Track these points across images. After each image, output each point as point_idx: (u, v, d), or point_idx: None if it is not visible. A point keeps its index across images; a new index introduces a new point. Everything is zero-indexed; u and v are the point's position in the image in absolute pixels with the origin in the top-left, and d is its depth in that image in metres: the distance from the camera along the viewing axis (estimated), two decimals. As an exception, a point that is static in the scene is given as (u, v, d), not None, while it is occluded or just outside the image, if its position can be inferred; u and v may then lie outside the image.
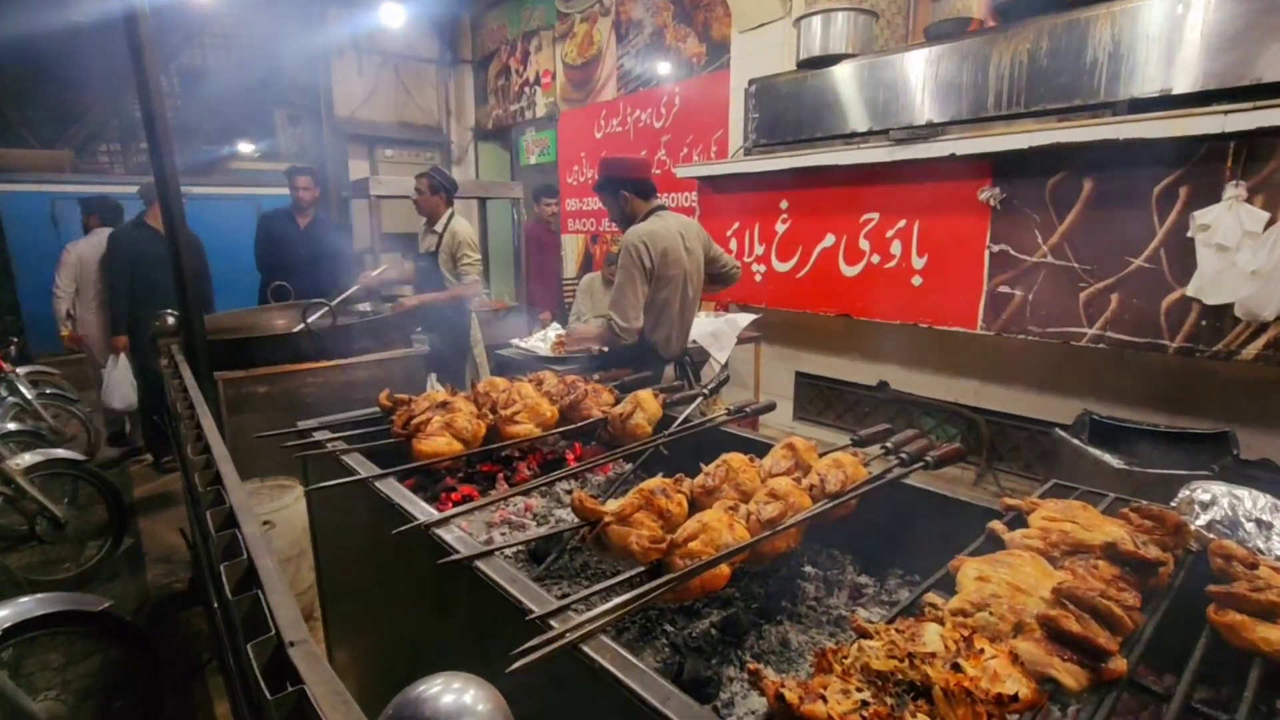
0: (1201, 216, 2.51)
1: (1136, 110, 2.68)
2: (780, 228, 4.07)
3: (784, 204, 4.02)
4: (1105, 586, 0.80)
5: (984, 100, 3.14)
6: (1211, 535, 0.96)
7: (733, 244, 4.34)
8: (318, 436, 1.65)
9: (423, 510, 1.26)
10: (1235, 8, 2.43)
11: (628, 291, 2.35)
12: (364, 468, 1.46)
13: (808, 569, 1.32)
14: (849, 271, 3.75)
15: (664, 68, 5.54)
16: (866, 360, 4.19)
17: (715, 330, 2.86)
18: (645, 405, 1.66)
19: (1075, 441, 2.66)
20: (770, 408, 1.78)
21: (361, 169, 7.55)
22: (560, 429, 1.66)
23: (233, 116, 8.68)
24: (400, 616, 1.43)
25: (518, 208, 6.82)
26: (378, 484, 1.37)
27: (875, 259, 3.63)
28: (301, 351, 2.76)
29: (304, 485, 1.91)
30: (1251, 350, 2.48)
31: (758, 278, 4.22)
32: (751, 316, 3.75)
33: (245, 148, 9.01)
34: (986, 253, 3.19)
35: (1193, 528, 0.97)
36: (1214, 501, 0.98)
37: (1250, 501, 0.96)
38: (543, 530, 1.36)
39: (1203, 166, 2.54)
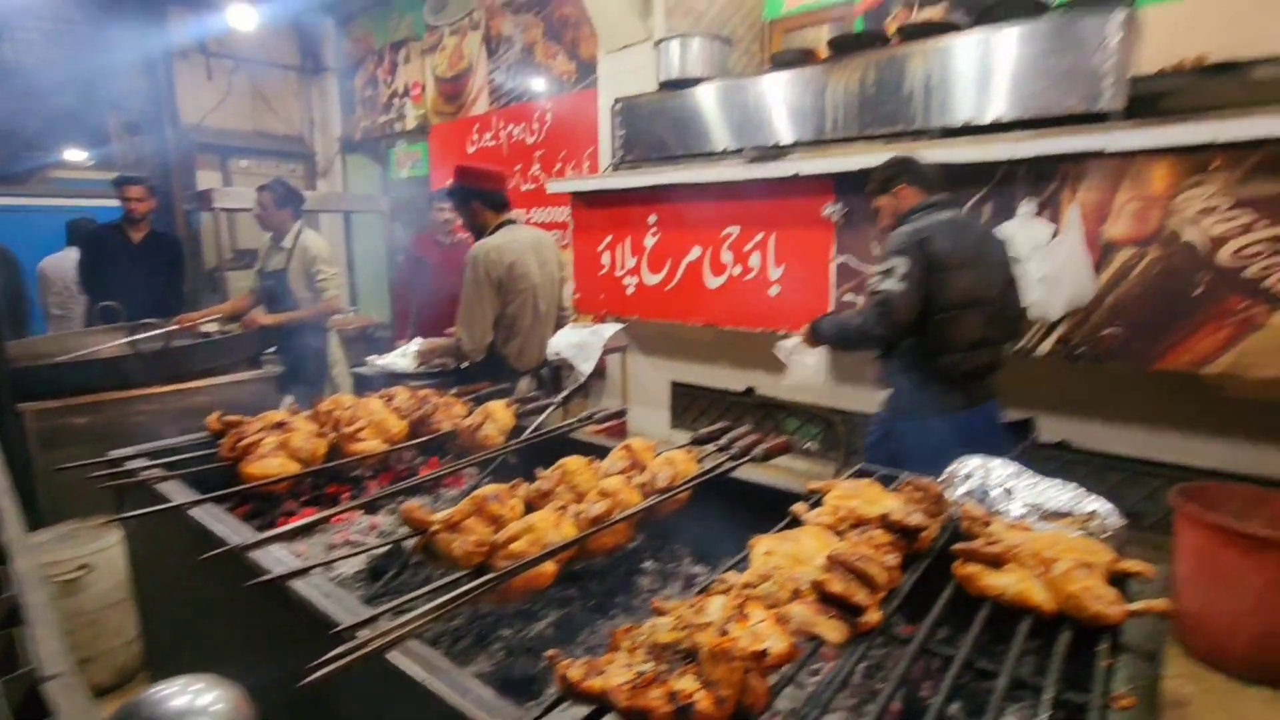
0: (1001, 231, 2.85)
1: (948, 137, 3.03)
2: (650, 241, 4.20)
3: (652, 218, 4.17)
4: (872, 551, 0.92)
5: (824, 124, 3.42)
6: (968, 502, 1.11)
7: (606, 257, 4.44)
8: (136, 465, 1.53)
9: (243, 536, 1.21)
10: (1025, 50, 2.81)
11: (474, 307, 2.36)
12: (184, 496, 1.37)
13: (647, 564, 1.39)
14: (713, 283, 3.93)
15: (535, 84, 5.59)
16: (735, 367, 4.41)
17: (580, 341, 2.91)
18: (496, 416, 1.68)
19: (908, 433, 2.94)
20: (620, 414, 1.86)
21: (214, 180, 7.03)
22: (408, 443, 1.64)
23: (53, 120, 7.80)
24: (227, 653, 1.35)
25: (388, 221, 6.61)
26: (192, 511, 1.30)
27: (737, 270, 3.83)
28: (129, 377, 2.54)
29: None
30: (1045, 346, 2.85)
31: (630, 290, 4.33)
32: (616, 328, 3.86)
33: (73, 155, 8.11)
34: (832, 264, 3.46)
35: (954, 497, 1.12)
36: (971, 473, 1.14)
37: (998, 472, 1.13)
38: (368, 547, 1.34)
39: (1001, 187, 2.90)
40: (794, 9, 5.60)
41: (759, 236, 3.70)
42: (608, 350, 3.91)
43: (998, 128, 2.92)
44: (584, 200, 4.52)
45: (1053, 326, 2.81)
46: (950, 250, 2.18)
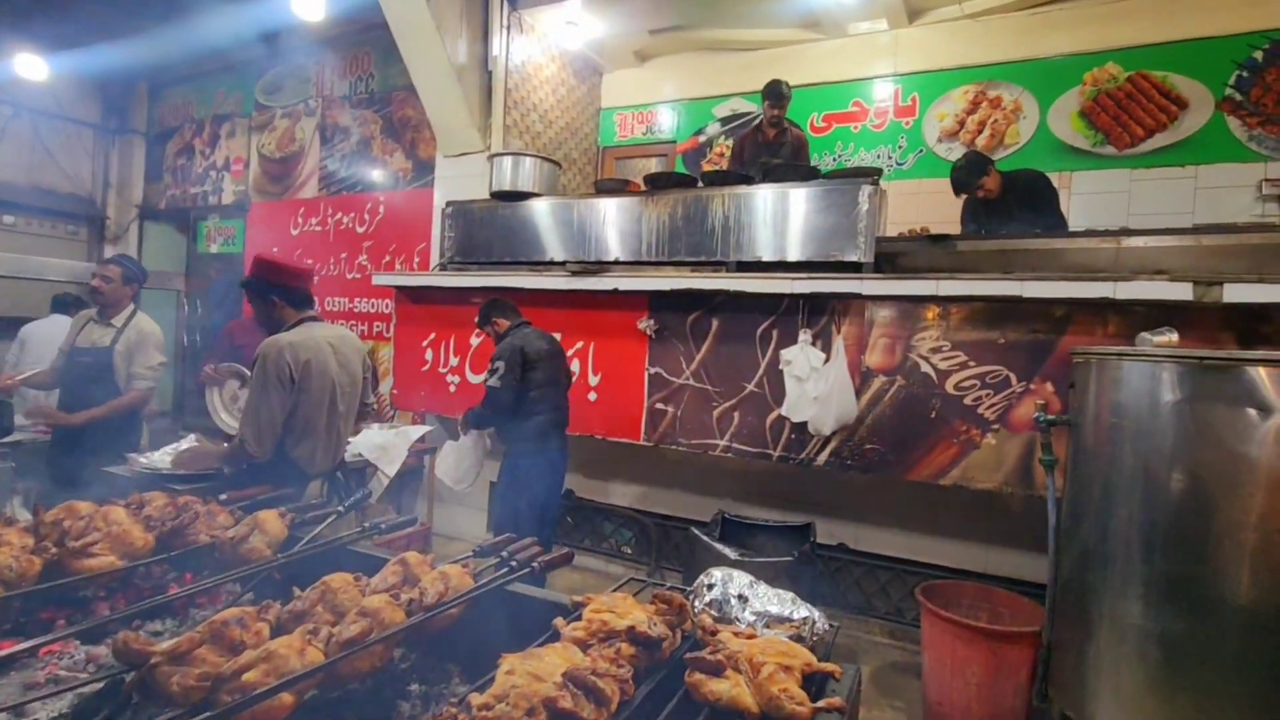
0: (786, 354, 3.27)
1: (742, 270, 3.46)
2: (475, 341, 4.24)
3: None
4: (608, 665, 0.99)
5: (641, 247, 3.76)
6: (711, 612, 1.24)
7: (429, 354, 4.40)
8: None
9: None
10: (802, 206, 3.35)
11: (261, 406, 2.23)
12: None
13: (413, 687, 1.35)
14: (536, 386, 4.02)
15: (370, 175, 5.59)
16: (555, 469, 4.44)
17: (384, 443, 2.82)
18: (266, 526, 1.59)
19: (704, 538, 3.14)
20: (410, 523, 1.82)
21: (-35, 234, 6.06)
22: (153, 559, 1.49)
23: None
24: None
25: (181, 297, 6.07)
26: None
27: None
28: None
29: None
30: (822, 458, 3.23)
31: (452, 389, 4.29)
32: (424, 429, 3.83)
33: None
34: (646, 374, 3.71)
35: (699, 606, 1.24)
36: (714, 583, 1.28)
37: (737, 581, 1.28)
38: (76, 684, 1.18)
39: (786, 317, 3.34)
40: (625, 140, 6.27)
41: (580, 344, 3.89)
42: (418, 450, 3.81)
43: (782, 266, 3.39)
44: (410, 295, 4.49)
45: (826, 440, 3.20)
46: (534, 354, 3.16)
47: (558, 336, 3.53)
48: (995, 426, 2.89)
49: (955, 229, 4.04)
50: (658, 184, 3.78)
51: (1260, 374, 1.77)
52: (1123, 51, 4.64)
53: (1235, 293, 2.39)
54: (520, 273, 3.99)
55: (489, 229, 4.24)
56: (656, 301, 3.65)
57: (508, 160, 4.15)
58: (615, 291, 3.63)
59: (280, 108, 6.19)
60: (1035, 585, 2.91)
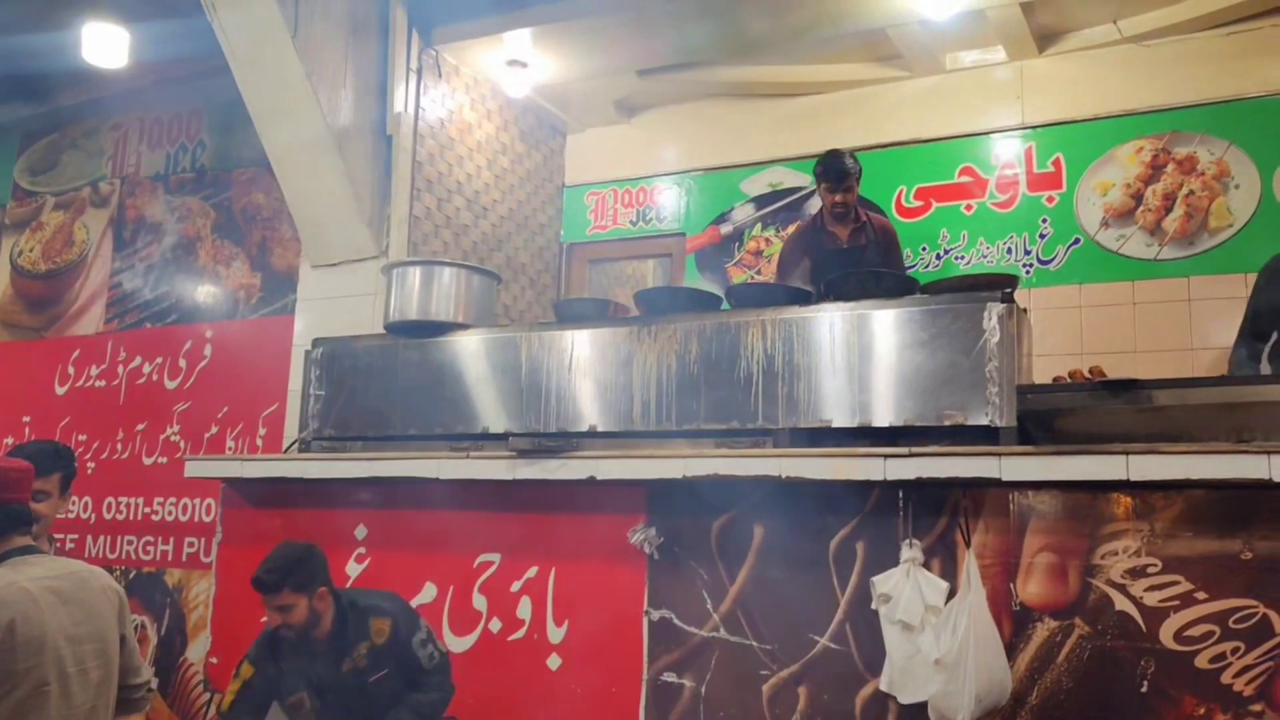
0: (881, 583, 3.16)
1: (801, 442, 3.43)
2: (355, 569, 4.15)
3: (361, 531, 4.18)
4: None
5: (631, 408, 3.76)
6: None
7: (275, 593, 4.25)
8: None
9: None
10: (904, 338, 3.41)
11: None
12: None
13: None
14: (458, 645, 3.89)
15: (193, 297, 5.72)
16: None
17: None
18: None
19: None
20: None
21: None
22: None
23: None
24: None
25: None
26: None
27: (495, 625, 3.85)
28: None
29: None
30: (957, 768, 3.02)
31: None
32: None
33: None
34: (645, 622, 3.58)
35: None
36: None
37: None
38: None
39: (877, 518, 3.28)
40: (603, 234, 6.49)
41: (531, 572, 3.81)
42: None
43: (866, 434, 3.37)
44: (248, 494, 4.44)
45: (962, 737, 3.01)
46: None
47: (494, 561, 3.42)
48: (1257, 707, 2.75)
49: (1139, 364, 4.07)
50: (657, 305, 3.86)
51: None
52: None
53: None
54: (433, 454, 3.97)
55: (382, 382, 4.28)
56: (659, 498, 3.62)
57: (414, 272, 4.28)
58: (591, 482, 3.60)
59: (53, 194, 6.43)
60: None
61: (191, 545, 5.32)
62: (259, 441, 5.18)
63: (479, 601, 3.87)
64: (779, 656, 3.35)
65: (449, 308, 4.24)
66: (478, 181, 5.62)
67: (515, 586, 3.81)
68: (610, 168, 6.46)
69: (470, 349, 4.13)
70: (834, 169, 4.54)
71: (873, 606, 3.19)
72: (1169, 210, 5.12)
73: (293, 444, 4.62)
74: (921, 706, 3.05)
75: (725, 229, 6.15)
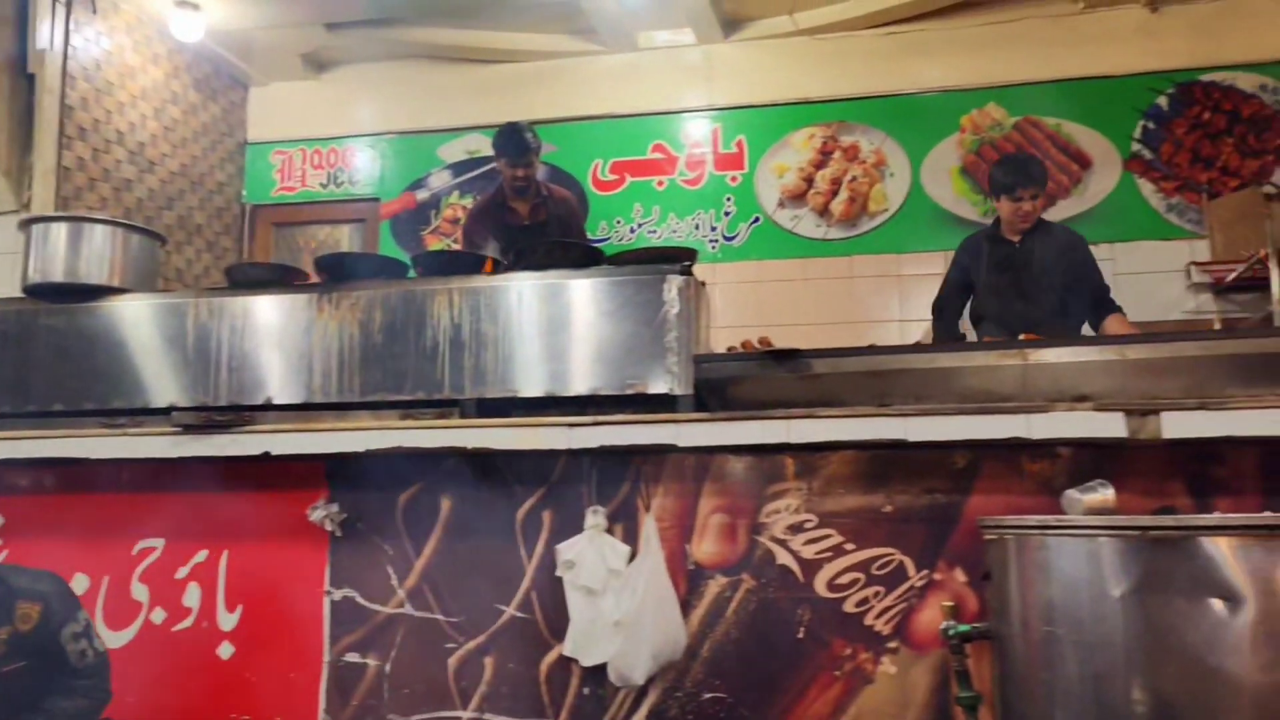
0: (566, 550, 3.24)
1: (489, 412, 3.43)
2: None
3: (-2, 520, 3.78)
4: None
5: (311, 379, 3.62)
6: None
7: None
8: None
9: None
10: (591, 311, 3.46)
11: None
12: None
13: None
14: (114, 640, 3.62)
15: None
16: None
17: None
18: None
19: None
20: None
21: None
22: None
23: None
24: None
25: None
26: None
27: (159, 615, 3.61)
28: None
29: None
30: (637, 726, 3.16)
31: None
32: None
33: None
34: (326, 602, 3.47)
35: None
36: None
37: None
38: None
39: (564, 487, 3.35)
40: (291, 196, 6.18)
41: (200, 556, 3.62)
42: None
43: (553, 404, 3.43)
44: None
45: (641, 693, 3.16)
46: None
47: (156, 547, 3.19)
48: (893, 644, 3.05)
49: (808, 335, 4.39)
50: (340, 271, 3.75)
51: (1220, 548, 2.03)
52: (1005, 89, 5.62)
53: (1176, 425, 2.80)
54: (84, 431, 3.65)
55: (21, 352, 3.90)
56: (341, 473, 3.52)
57: (59, 230, 3.91)
58: (267, 458, 3.43)
59: None
60: None
61: None
62: None
63: (139, 591, 3.62)
64: (465, 629, 3.37)
65: (101, 270, 3.90)
66: (142, 132, 5.20)
67: (181, 573, 3.59)
68: (299, 126, 6.20)
69: (128, 316, 3.82)
70: (513, 143, 4.55)
71: (557, 574, 3.27)
72: (836, 194, 5.58)
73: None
74: (602, 668, 3.18)
75: (422, 195, 6.07)
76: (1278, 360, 3.05)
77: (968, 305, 4.61)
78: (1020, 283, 4.36)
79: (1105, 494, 2.60)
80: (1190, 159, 5.48)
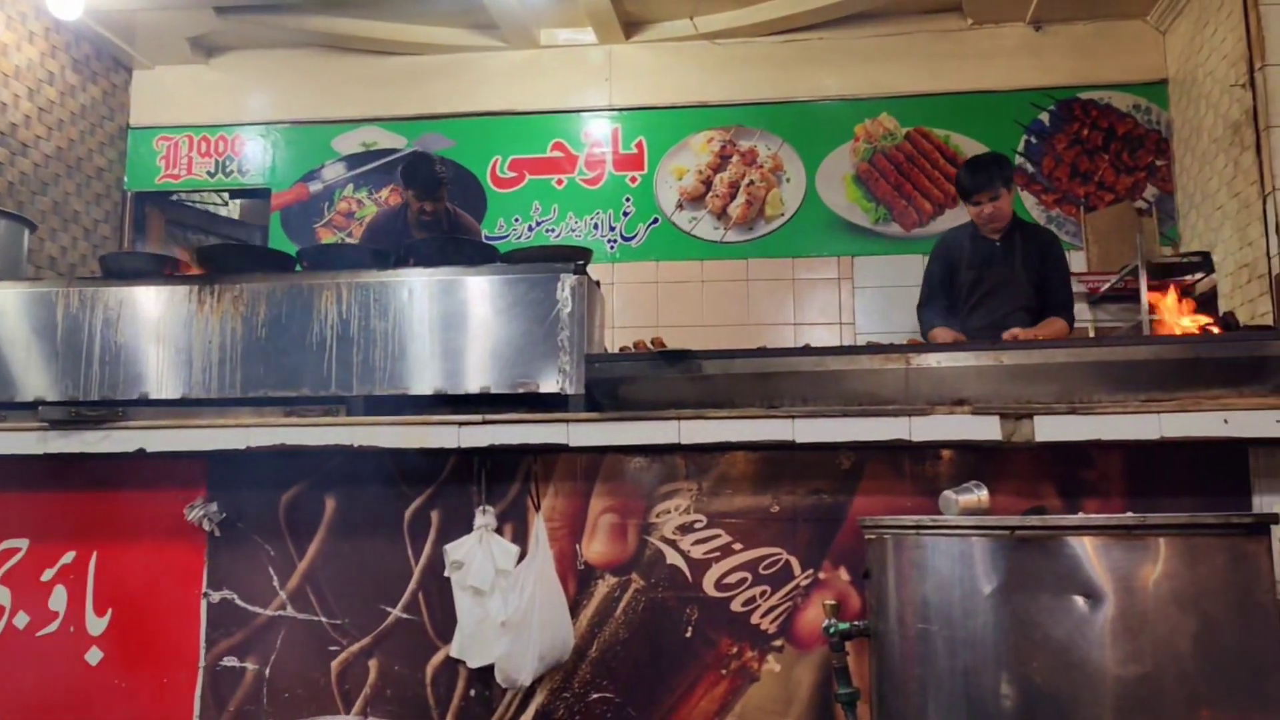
0: (454, 550, 3.21)
1: (376, 410, 3.38)
2: None
3: None
4: None
5: (191, 374, 3.52)
6: None
7: None
8: None
9: None
10: (485, 309, 3.45)
11: None
12: None
13: None
14: (-25, 646, 3.44)
15: None
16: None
17: None
18: None
19: None
20: None
21: None
22: None
23: None
24: None
25: None
26: None
27: (21, 620, 3.47)
28: None
29: None
30: (523, 728, 3.15)
31: None
32: None
33: None
34: (204, 605, 3.39)
35: None
36: None
37: None
38: None
39: (452, 486, 3.33)
40: (176, 182, 5.98)
41: (68, 557, 3.48)
42: None
43: (443, 402, 3.40)
44: None
45: (528, 694, 3.16)
46: None
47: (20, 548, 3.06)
48: (778, 642, 3.11)
49: (705, 337, 4.44)
50: (223, 263, 3.65)
51: (1084, 547, 2.13)
52: (897, 100, 5.78)
53: (1048, 428, 2.92)
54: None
55: None
56: (221, 471, 3.44)
57: None
58: (141, 455, 3.32)
59: None
60: None
61: None
62: None
63: (0, 594, 3.47)
64: (349, 631, 3.32)
65: (-31, 259, 3.72)
66: (15, 113, 4.96)
67: (47, 575, 3.45)
68: (185, 111, 6.01)
69: (-5, 305, 3.65)
70: (422, 177, 4.37)
71: (445, 574, 3.24)
72: (733, 197, 5.66)
73: None
74: (490, 669, 3.15)
75: (315, 187, 5.94)
76: (1144, 367, 3.19)
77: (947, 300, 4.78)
78: (999, 279, 4.52)
79: (980, 495, 2.70)
80: (1069, 173, 5.75)
